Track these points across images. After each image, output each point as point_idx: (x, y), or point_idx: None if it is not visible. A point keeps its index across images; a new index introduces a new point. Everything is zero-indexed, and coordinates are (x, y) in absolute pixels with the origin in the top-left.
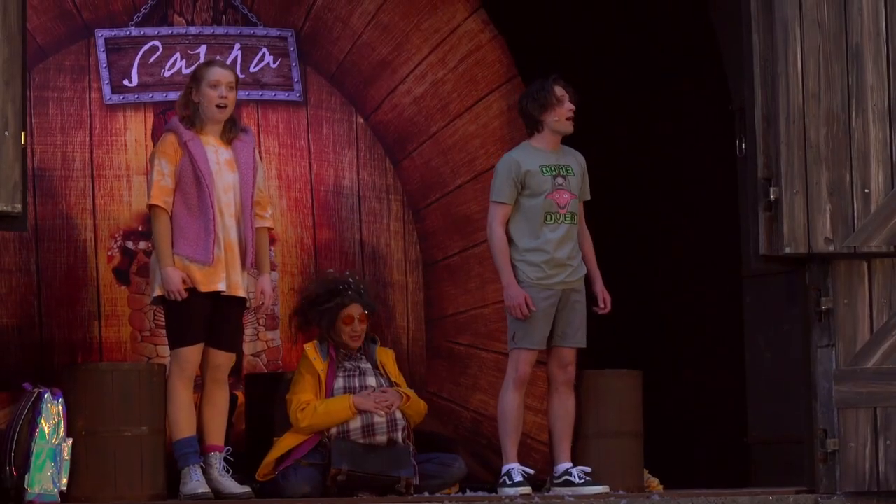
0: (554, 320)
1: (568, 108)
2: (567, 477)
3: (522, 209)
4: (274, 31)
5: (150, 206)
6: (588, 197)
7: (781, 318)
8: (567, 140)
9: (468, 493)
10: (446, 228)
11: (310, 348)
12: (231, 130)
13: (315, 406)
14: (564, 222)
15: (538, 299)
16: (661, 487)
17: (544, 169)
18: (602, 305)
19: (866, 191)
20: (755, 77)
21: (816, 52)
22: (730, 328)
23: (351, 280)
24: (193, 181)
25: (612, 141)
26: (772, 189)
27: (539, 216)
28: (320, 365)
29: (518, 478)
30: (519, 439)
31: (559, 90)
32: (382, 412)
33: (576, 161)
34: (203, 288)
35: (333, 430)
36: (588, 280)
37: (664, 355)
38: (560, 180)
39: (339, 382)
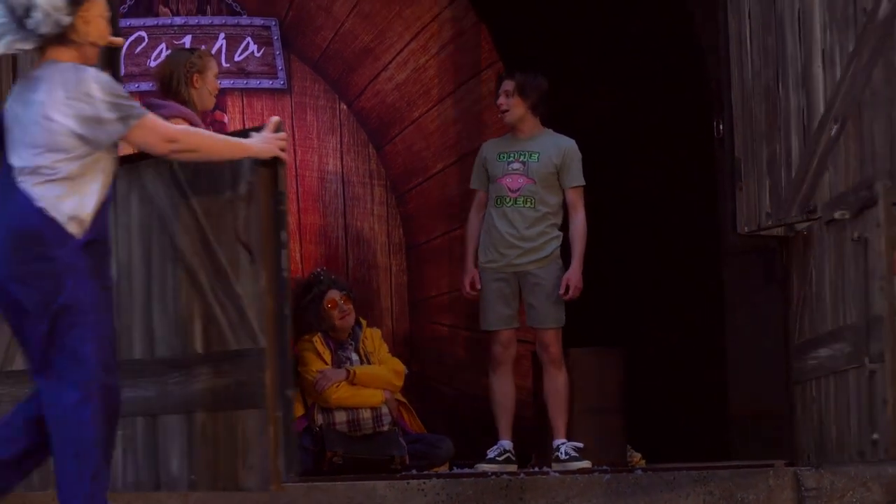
0: (524, 302)
1: (498, 104)
2: (556, 453)
3: (489, 195)
4: (258, 20)
5: None
6: (574, 183)
7: (760, 293)
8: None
9: (455, 471)
10: (429, 212)
11: (316, 339)
12: None
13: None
14: (516, 206)
15: (486, 281)
16: (643, 462)
17: (501, 155)
18: (562, 292)
19: (790, 161)
20: (731, 58)
21: (758, 27)
22: (711, 305)
23: (321, 273)
24: None
25: (592, 121)
26: None
27: (492, 200)
28: (327, 356)
29: (501, 455)
30: (507, 417)
31: (499, 88)
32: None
33: (552, 147)
34: None
35: (321, 420)
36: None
37: (647, 332)
38: (516, 165)
39: None
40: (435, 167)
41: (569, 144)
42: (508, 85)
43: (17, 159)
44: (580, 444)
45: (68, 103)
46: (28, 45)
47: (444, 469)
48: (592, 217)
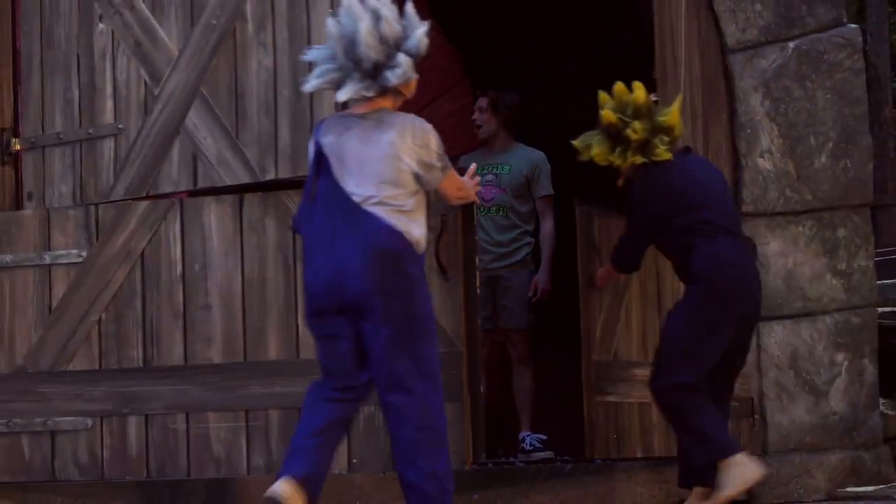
0: (496, 304)
1: (473, 118)
2: (522, 444)
3: None
4: None
5: None
6: (542, 193)
7: None
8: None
9: None
10: None
11: None
12: None
13: None
14: (490, 214)
15: None
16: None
17: (477, 169)
18: (531, 293)
19: None
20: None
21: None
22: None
23: None
24: None
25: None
26: None
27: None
28: None
29: None
30: None
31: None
32: None
33: (523, 160)
34: None
35: None
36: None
37: None
38: (490, 177)
39: None
40: None
41: (538, 157)
42: (482, 102)
43: (356, 187)
44: (544, 436)
45: (413, 149)
46: (370, 93)
47: None
48: (556, 224)
